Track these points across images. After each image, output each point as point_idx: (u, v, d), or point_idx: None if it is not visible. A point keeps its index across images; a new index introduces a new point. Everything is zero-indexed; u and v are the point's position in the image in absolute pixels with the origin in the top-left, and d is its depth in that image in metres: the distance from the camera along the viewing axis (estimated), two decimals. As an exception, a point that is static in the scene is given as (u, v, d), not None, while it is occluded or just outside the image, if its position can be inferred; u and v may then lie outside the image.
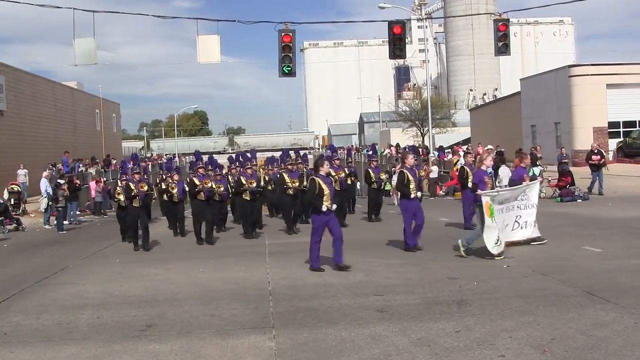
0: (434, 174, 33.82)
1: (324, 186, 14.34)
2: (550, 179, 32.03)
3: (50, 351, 9.60)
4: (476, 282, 12.78)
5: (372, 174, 25.32)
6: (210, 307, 11.85)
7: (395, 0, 51.72)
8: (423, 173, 22.60)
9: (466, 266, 14.56)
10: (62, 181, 29.17)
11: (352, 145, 78.05)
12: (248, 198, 22.02)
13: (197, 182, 21.39)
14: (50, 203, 29.00)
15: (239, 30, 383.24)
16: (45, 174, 31.26)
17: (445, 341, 9.06)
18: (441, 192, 37.81)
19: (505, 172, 28.86)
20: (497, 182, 28.90)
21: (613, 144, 47.24)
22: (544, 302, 10.89)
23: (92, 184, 36.30)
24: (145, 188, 20.45)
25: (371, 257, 16.41)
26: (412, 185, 17.00)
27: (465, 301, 11.25)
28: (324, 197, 14.38)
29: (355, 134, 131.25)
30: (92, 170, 41.00)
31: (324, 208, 14.30)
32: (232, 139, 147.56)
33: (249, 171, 22.44)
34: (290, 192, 23.27)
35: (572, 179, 30.29)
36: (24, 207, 33.23)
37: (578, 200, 27.83)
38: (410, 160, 17.73)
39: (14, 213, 30.37)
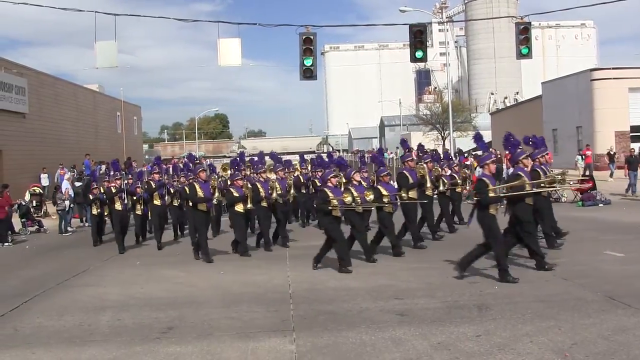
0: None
1: None
2: (571, 182, 31.91)
3: (71, 352, 9.66)
4: (497, 286, 12.76)
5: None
6: (230, 310, 11.88)
7: (416, 4, 51.80)
8: None
9: (487, 270, 14.51)
10: (66, 186, 29.24)
11: (373, 149, 77.98)
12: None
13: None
14: (72, 205, 29.10)
15: (259, 33, 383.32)
16: (67, 176, 31.40)
17: (465, 345, 9.05)
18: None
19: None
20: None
21: (635, 147, 46.96)
22: (564, 306, 10.86)
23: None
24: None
25: (392, 261, 16.39)
26: None
27: (486, 305, 11.23)
28: None
29: (376, 137, 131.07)
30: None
31: None
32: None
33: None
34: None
35: (594, 183, 30.10)
36: (46, 209, 33.37)
37: (600, 205, 27.66)
38: None
39: (35, 215, 30.52)
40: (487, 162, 13.95)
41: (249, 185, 19.21)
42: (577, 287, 12.41)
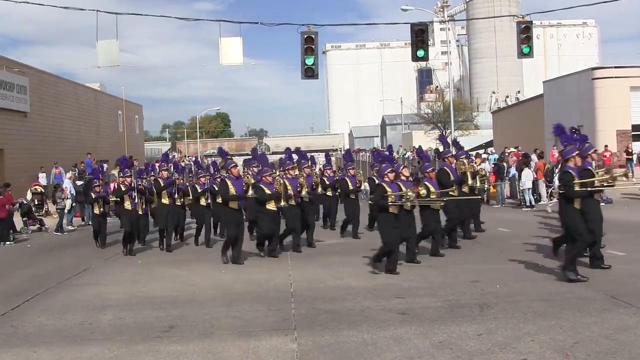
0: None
1: None
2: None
3: (72, 351, 9.66)
4: (498, 285, 12.75)
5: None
6: (232, 309, 11.88)
7: (418, 3, 51.61)
8: None
9: (488, 269, 14.53)
10: (67, 185, 29.27)
11: (374, 148, 77.89)
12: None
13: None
14: (73, 204, 29.16)
15: (261, 32, 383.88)
16: (68, 175, 31.43)
17: (467, 344, 9.05)
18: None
19: (528, 176, 28.89)
20: (520, 185, 28.98)
21: (637, 147, 46.84)
22: (566, 305, 10.86)
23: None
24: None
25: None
26: None
27: (487, 304, 11.23)
28: None
29: (378, 136, 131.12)
30: (114, 172, 41.10)
31: None
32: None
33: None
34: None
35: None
36: (47, 208, 33.40)
37: (601, 204, 27.60)
38: None
39: (37, 214, 30.55)
40: (573, 154, 13.62)
41: (282, 182, 18.36)
42: (578, 286, 12.40)
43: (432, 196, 16.32)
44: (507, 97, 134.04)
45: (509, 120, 68.14)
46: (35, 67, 48.44)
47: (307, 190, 19.32)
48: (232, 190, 17.46)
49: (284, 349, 9.31)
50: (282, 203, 18.07)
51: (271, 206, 17.88)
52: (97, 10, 24.03)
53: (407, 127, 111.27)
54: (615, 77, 48.29)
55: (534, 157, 33.22)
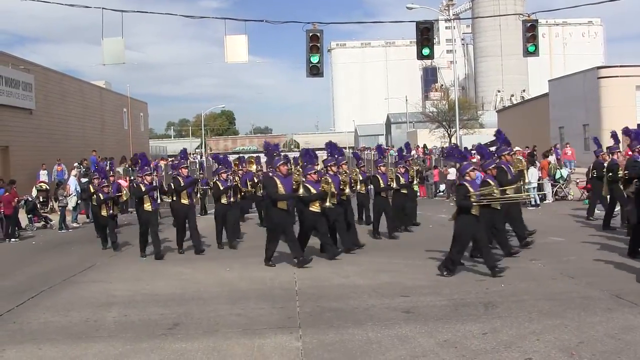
0: (451, 176, 33.78)
1: None
2: (578, 181, 31.80)
3: (77, 348, 9.67)
4: (503, 284, 12.74)
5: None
6: (236, 307, 11.89)
7: (423, 1, 51.56)
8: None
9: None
10: (72, 182, 29.32)
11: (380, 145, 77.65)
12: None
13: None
14: (79, 202, 29.19)
15: (266, 30, 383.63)
16: (73, 172, 31.47)
17: (472, 343, 9.04)
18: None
19: (534, 174, 28.85)
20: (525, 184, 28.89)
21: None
22: (571, 305, 10.84)
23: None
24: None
25: (398, 259, 16.37)
26: None
27: (492, 303, 11.22)
28: None
29: (383, 134, 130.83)
30: (119, 169, 41.09)
31: None
32: None
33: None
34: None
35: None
36: (52, 205, 33.44)
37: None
38: None
39: (42, 211, 30.59)
40: None
41: (329, 180, 16.98)
42: (583, 286, 12.39)
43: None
44: (512, 95, 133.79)
45: (514, 119, 68.08)
46: (40, 65, 48.41)
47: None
48: (281, 189, 16.20)
49: (289, 347, 9.31)
50: (327, 204, 16.85)
51: (315, 207, 16.76)
52: (103, 8, 24.07)
53: (412, 125, 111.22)
54: (621, 76, 48.22)
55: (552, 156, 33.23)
